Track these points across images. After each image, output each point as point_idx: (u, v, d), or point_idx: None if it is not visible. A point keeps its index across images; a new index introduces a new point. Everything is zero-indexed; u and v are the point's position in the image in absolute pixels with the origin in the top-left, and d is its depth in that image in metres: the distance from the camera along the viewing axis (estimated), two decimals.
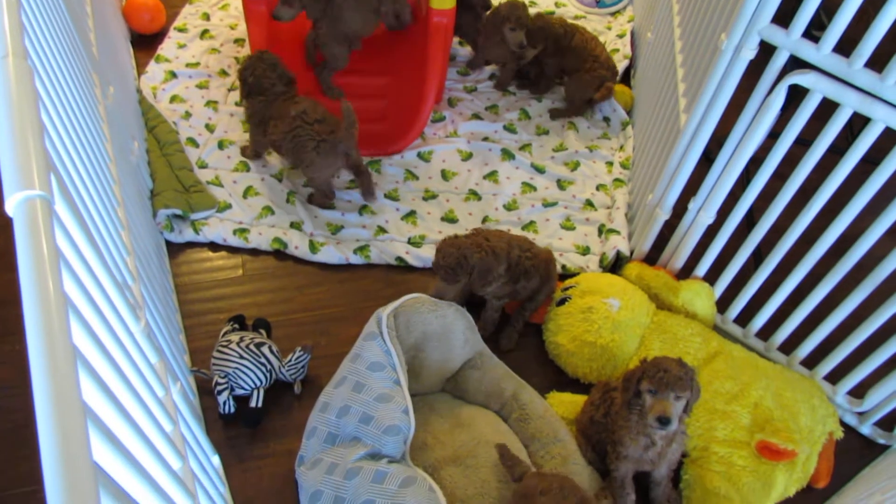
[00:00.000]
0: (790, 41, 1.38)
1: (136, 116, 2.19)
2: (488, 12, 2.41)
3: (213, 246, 2.04)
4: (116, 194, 1.40)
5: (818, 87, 1.37)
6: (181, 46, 2.57)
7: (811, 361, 1.79)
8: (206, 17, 2.71)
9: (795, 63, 1.43)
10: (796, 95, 1.46)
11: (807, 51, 1.36)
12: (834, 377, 1.76)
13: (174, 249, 2.02)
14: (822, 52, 1.35)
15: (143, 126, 2.24)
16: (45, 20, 1.17)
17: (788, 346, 1.82)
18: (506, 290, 1.77)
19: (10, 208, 0.66)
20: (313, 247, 2.01)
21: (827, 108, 1.43)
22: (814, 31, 1.53)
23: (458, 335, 1.67)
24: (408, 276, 2.02)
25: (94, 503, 0.52)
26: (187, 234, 2.02)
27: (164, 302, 1.64)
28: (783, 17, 1.39)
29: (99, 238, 1.04)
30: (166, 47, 2.55)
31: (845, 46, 1.33)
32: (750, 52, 1.42)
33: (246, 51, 2.53)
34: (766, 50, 1.45)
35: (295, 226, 2.06)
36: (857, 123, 1.43)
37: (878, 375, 1.68)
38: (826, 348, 1.74)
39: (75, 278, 0.71)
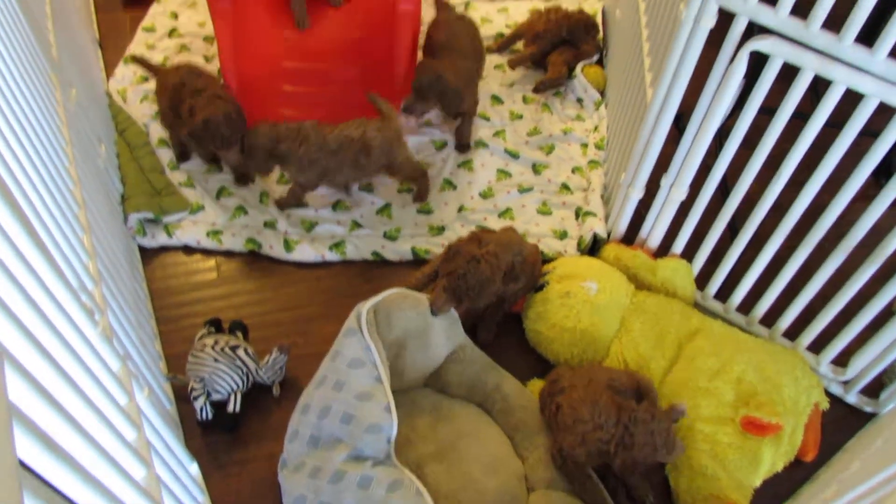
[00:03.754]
0: (747, 7, 1.37)
1: (103, 119, 2.15)
2: None
3: (188, 249, 2.01)
4: (77, 196, 1.37)
5: (778, 52, 1.35)
6: (150, 47, 2.54)
7: (793, 332, 1.78)
8: (175, 16, 2.68)
9: (758, 30, 1.42)
10: (759, 64, 1.45)
11: (765, 15, 1.35)
12: (816, 347, 1.75)
13: (148, 255, 1.99)
14: (779, 16, 1.33)
15: (113, 129, 2.21)
16: None
17: (769, 319, 1.81)
18: (496, 294, 1.69)
19: None
20: (288, 245, 1.98)
21: (791, 76, 1.41)
22: None
23: (438, 331, 1.64)
24: (385, 270, 2.00)
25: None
26: (160, 239, 1.99)
27: (135, 308, 1.62)
28: None
29: (48, 237, 1.01)
30: (135, 48, 2.52)
31: (804, 9, 1.32)
32: (709, 21, 1.41)
33: (216, 49, 2.49)
34: (727, 18, 1.44)
35: (269, 225, 2.03)
36: (822, 89, 1.41)
37: (859, 342, 1.67)
38: (807, 318, 1.73)
39: (7, 274, 0.69)
